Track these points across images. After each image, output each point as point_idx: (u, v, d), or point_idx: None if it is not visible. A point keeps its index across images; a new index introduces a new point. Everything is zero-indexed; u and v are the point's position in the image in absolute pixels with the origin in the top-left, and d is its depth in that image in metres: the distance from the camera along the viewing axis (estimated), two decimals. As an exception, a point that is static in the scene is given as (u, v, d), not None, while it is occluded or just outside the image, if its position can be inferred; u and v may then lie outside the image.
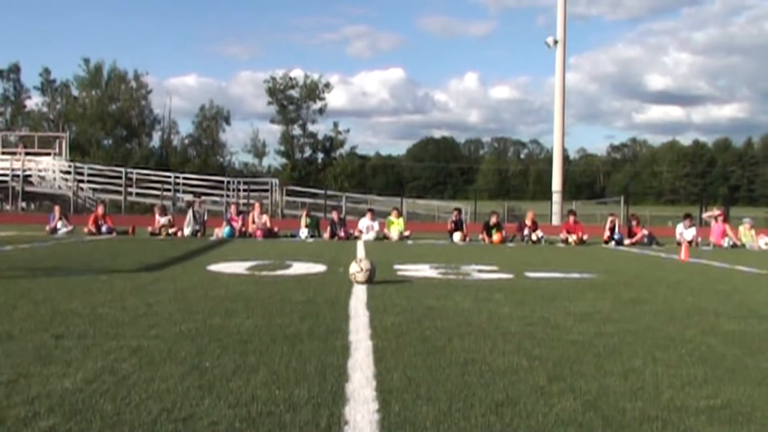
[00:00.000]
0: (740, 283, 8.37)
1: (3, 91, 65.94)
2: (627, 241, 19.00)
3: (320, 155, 68.28)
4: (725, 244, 18.87)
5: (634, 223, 19.87)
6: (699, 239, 19.13)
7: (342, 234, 19.02)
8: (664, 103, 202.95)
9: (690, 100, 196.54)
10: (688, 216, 20.01)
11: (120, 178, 35.59)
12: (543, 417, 2.69)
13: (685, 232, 19.05)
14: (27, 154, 36.69)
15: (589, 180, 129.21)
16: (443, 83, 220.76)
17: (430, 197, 69.92)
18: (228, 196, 35.04)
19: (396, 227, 19.52)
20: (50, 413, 2.59)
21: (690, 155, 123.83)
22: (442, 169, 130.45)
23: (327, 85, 67.32)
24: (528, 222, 19.64)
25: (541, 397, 2.94)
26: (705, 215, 21.49)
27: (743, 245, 19.11)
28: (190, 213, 19.22)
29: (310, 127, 67.47)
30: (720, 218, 19.99)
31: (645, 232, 19.60)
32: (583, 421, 2.67)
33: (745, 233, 19.67)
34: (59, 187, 35.58)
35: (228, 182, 37.09)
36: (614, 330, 4.64)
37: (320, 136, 67.71)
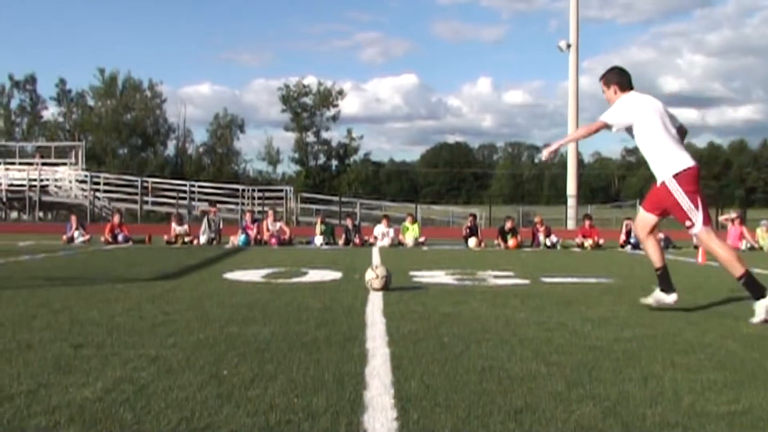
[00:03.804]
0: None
1: (20, 101, 66.75)
2: (643, 245, 18.91)
3: (334, 162, 68.48)
4: (743, 247, 18.75)
5: (650, 226, 19.77)
6: (716, 242, 19.00)
7: (357, 241, 19.05)
8: (679, 106, 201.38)
9: (704, 102, 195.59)
10: (704, 219, 19.87)
11: (136, 187, 35.79)
12: (562, 424, 2.68)
13: (702, 236, 18.92)
14: (44, 164, 37.00)
15: (603, 184, 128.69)
16: (456, 88, 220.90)
17: (445, 203, 69.90)
18: (243, 204, 35.18)
19: (411, 233, 19.53)
20: (71, 423, 2.61)
21: (705, 157, 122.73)
22: (456, 175, 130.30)
23: (340, 92, 67.59)
24: (539, 227, 19.58)
25: (560, 404, 2.93)
26: (721, 219, 21.36)
27: (761, 248, 18.98)
28: (205, 221, 19.32)
29: (324, 134, 67.78)
30: (737, 221, 19.87)
31: (661, 235, 19.48)
32: (603, 427, 2.65)
33: (763, 235, 19.56)
34: (76, 197, 35.84)
35: (243, 190, 37.27)
36: (632, 335, 4.61)
37: (334, 143, 67.97)
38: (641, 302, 6.01)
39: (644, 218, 6.09)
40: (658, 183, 5.81)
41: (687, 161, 5.72)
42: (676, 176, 5.67)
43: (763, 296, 5.41)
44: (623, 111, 5.93)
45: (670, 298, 5.90)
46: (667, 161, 5.74)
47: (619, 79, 6.06)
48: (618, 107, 5.96)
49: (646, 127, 5.84)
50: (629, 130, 5.95)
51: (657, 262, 6.01)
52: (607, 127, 5.96)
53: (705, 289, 7.75)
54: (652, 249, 6.10)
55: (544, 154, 6.55)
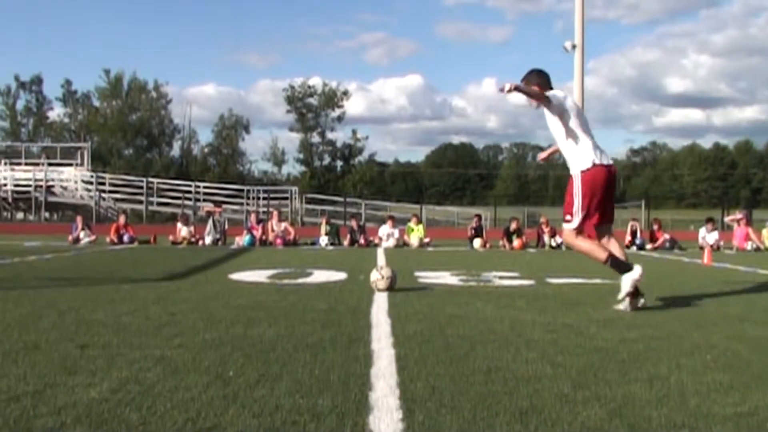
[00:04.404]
0: (765, 288, 8.27)
1: (26, 102, 66.88)
2: (649, 246, 18.90)
3: (339, 163, 68.56)
4: (748, 248, 18.71)
5: (655, 227, 19.75)
6: (722, 243, 18.97)
7: (362, 241, 19.05)
8: (684, 106, 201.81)
9: (710, 103, 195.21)
10: (710, 220, 19.87)
11: (141, 187, 35.86)
12: (568, 425, 2.67)
13: (708, 236, 18.92)
14: (49, 164, 37.10)
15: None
16: (461, 89, 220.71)
17: (450, 203, 69.86)
18: (248, 204, 35.23)
19: (416, 234, 19.53)
20: (77, 423, 2.61)
21: (711, 158, 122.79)
22: (461, 175, 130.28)
23: (345, 93, 67.69)
24: (545, 227, 19.57)
25: (565, 405, 2.92)
26: (727, 219, 21.32)
27: (767, 248, 18.92)
28: (210, 222, 19.35)
29: (329, 135, 67.88)
30: (742, 221, 19.82)
31: (667, 236, 19.48)
32: (609, 429, 2.64)
33: (769, 236, 19.47)
34: (81, 197, 35.97)
35: (248, 191, 37.31)
36: (638, 336, 4.60)
37: (339, 144, 68.07)
38: (614, 308, 5.98)
39: (565, 230, 6.24)
40: (572, 175, 6.04)
41: (599, 160, 5.96)
42: (583, 172, 5.94)
43: (630, 270, 5.84)
44: (561, 95, 6.12)
45: (637, 272, 5.90)
46: (582, 157, 5.98)
47: (539, 79, 6.24)
48: (558, 92, 6.13)
49: (572, 120, 6.04)
50: (552, 121, 6.15)
51: (603, 257, 6.01)
52: (547, 102, 6.01)
53: (711, 291, 7.73)
54: (587, 246, 6.13)
55: (540, 156, 6.73)
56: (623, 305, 5.89)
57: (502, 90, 5.75)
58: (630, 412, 2.85)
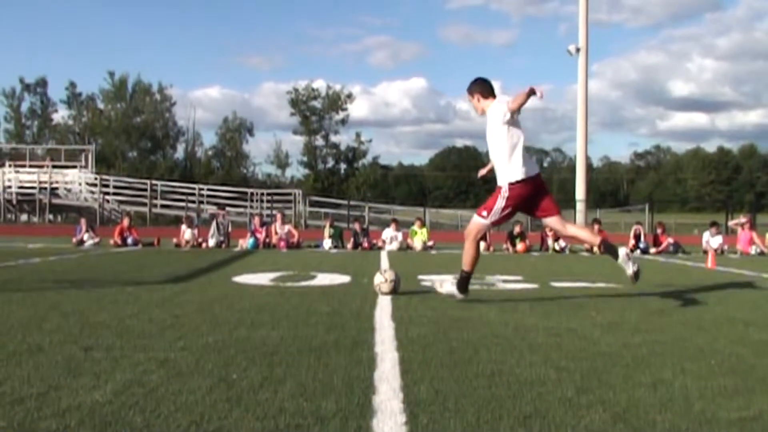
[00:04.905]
0: (769, 292, 8.25)
1: (30, 104, 67.03)
2: (653, 250, 18.87)
3: (343, 166, 68.52)
4: (752, 252, 18.67)
5: (659, 231, 19.72)
6: (726, 247, 18.93)
7: (365, 244, 19.04)
8: (688, 110, 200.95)
9: (714, 107, 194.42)
10: (714, 224, 19.82)
11: (145, 190, 35.92)
12: (572, 429, 2.67)
13: (712, 240, 18.87)
14: (54, 167, 37.18)
15: (612, 188, 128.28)
16: (465, 92, 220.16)
17: (453, 207, 69.74)
18: (252, 207, 35.26)
19: (419, 237, 19.52)
20: (81, 426, 2.62)
21: (715, 162, 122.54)
22: (465, 178, 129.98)
23: (349, 96, 67.64)
24: (548, 231, 19.55)
25: (569, 409, 2.92)
26: (731, 223, 21.25)
27: (771, 253, 18.86)
28: (214, 224, 19.36)
29: (333, 138, 67.84)
30: (747, 225, 19.78)
31: (671, 240, 19.44)
32: (613, 433, 2.64)
33: (773, 240, 19.42)
34: (85, 200, 36.06)
35: (251, 193, 37.37)
36: (642, 340, 4.60)
37: (343, 147, 68.03)
38: (437, 292, 6.70)
39: (477, 222, 6.59)
40: (498, 185, 6.42)
41: (527, 173, 6.32)
42: (511, 185, 6.31)
43: (463, 289, 6.55)
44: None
45: (461, 296, 6.53)
46: (512, 169, 6.31)
47: (481, 88, 6.62)
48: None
49: (514, 132, 6.35)
50: (494, 131, 6.45)
51: (467, 266, 6.51)
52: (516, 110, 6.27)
53: (715, 295, 7.71)
54: (471, 252, 6.54)
55: (480, 173, 7.32)
56: (444, 289, 6.67)
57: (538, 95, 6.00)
58: (634, 416, 2.85)
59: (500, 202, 6.34)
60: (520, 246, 18.76)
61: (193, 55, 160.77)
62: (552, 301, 6.91)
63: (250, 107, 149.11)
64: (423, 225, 20.57)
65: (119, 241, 18.40)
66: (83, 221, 19.71)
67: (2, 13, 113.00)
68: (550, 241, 19.24)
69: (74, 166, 38.19)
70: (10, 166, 37.37)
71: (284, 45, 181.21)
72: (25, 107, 66.66)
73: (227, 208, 23.09)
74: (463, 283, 6.54)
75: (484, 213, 6.44)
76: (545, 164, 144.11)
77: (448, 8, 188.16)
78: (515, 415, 2.83)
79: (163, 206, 36.79)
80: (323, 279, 9.02)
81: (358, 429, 2.64)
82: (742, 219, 20.88)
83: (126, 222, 19.33)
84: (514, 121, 6.34)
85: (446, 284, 6.75)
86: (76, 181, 36.99)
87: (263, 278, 8.95)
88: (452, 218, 43.35)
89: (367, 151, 68.69)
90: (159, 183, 38.39)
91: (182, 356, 3.85)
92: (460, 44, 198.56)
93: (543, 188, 6.53)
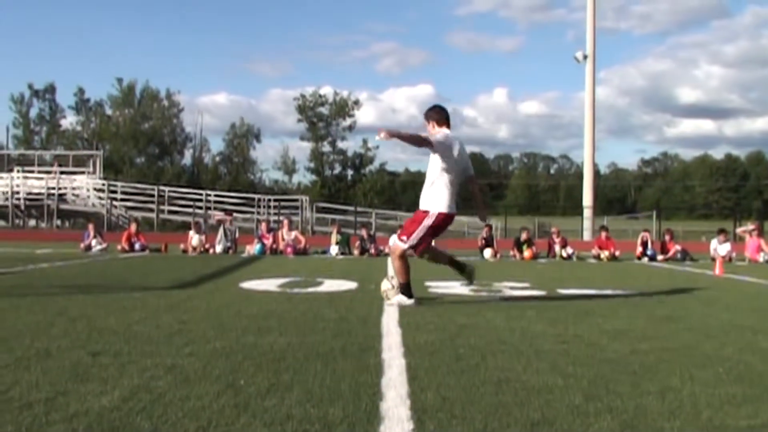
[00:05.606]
0: (778, 300, 8.22)
1: (39, 110, 67.33)
2: (660, 257, 18.79)
3: (350, 172, 68.50)
4: (761, 259, 18.57)
5: (667, 238, 19.63)
6: (734, 254, 18.84)
7: (372, 251, 19.03)
8: (696, 117, 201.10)
9: (722, 113, 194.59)
10: (722, 231, 19.73)
11: (153, 195, 35.99)
12: (580, 437, 2.66)
13: (720, 248, 18.77)
14: (62, 172, 37.29)
15: (620, 195, 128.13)
16: (472, 99, 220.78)
17: (459, 214, 69.60)
18: (258, 213, 35.28)
19: (426, 243, 19.43)
20: (89, 431, 2.62)
21: (722, 169, 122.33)
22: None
23: (356, 102, 67.73)
24: (555, 237, 19.51)
25: (577, 417, 2.91)
26: (739, 231, 21.14)
27: (780, 260, 18.77)
28: (221, 230, 19.38)
29: (340, 144, 67.87)
30: (755, 233, 19.68)
31: (678, 247, 19.37)
32: (621, 441, 2.63)
33: (782, 248, 19.31)
34: (93, 205, 36.11)
35: (258, 199, 37.38)
36: (650, 348, 4.58)
37: (350, 153, 68.05)
38: (388, 303, 6.84)
39: (397, 245, 7.03)
40: (423, 209, 6.94)
41: (452, 209, 6.96)
42: (439, 214, 6.84)
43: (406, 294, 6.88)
44: (446, 142, 6.89)
45: (410, 301, 6.82)
46: (442, 200, 6.88)
47: (438, 116, 7.11)
48: (443, 137, 6.91)
49: (446, 164, 6.85)
50: (432, 158, 6.92)
51: (403, 278, 6.93)
52: (431, 146, 6.82)
53: (723, 302, 7.69)
54: (399, 265, 6.96)
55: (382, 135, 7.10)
56: (394, 300, 6.87)
57: (380, 136, 6.55)
58: (642, 424, 2.84)
59: (421, 230, 6.88)
60: (527, 253, 18.70)
61: (200, 62, 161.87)
62: (559, 307, 6.90)
63: (258, 113, 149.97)
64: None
65: (127, 247, 18.42)
66: (91, 227, 19.73)
67: (11, 19, 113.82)
68: (557, 248, 19.19)
69: (82, 172, 38.26)
70: (18, 171, 37.49)
71: (291, 51, 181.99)
72: (33, 113, 67.10)
73: (234, 214, 23.04)
74: (406, 291, 6.88)
75: (404, 238, 6.93)
76: (552, 171, 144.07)
77: (454, 15, 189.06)
78: (523, 422, 2.82)
79: (170, 212, 36.84)
80: (330, 285, 9.02)
81: (366, 435, 2.64)
82: (750, 226, 20.77)
83: (133, 228, 19.34)
84: (451, 156, 6.86)
85: (392, 294, 6.98)
86: (84, 186, 37.06)
87: (270, 284, 8.95)
88: (459, 225, 43.25)
89: (374, 157, 68.68)
90: (166, 189, 38.46)
91: (189, 362, 3.86)
92: (466, 51, 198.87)
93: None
